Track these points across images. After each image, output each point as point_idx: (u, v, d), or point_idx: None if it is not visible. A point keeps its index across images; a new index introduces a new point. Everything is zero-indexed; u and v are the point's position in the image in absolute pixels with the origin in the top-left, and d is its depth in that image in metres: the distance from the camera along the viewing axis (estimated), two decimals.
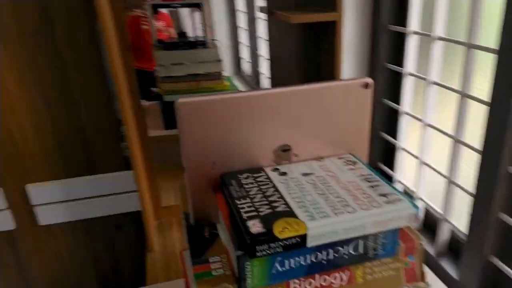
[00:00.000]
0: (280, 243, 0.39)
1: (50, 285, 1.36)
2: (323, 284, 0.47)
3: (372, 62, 1.31)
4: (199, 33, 1.40)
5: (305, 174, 0.49)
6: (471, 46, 0.93)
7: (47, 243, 1.32)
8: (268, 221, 0.40)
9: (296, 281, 0.45)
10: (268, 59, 1.50)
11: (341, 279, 0.47)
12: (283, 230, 0.39)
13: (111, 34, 0.94)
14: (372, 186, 0.46)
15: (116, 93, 0.94)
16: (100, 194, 1.30)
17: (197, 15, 1.44)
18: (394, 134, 1.31)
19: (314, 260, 0.43)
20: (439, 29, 1.06)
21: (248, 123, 0.49)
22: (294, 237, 0.39)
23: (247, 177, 0.48)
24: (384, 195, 0.44)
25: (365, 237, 0.43)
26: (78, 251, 1.36)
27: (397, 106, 1.27)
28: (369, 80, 0.52)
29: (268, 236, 0.38)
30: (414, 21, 1.16)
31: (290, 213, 0.41)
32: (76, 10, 1.09)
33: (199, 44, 1.39)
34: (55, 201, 1.27)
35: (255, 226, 0.39)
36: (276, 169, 0.51)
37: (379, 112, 1.34)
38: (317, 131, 0.52)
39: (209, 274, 0.44)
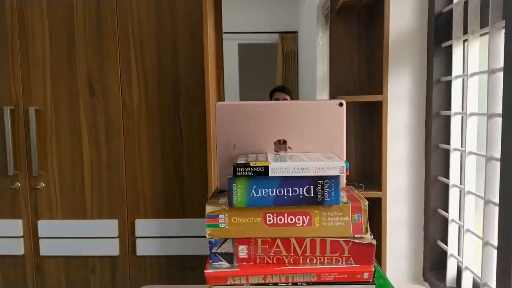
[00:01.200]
0: (252, 168, 0.64)
1: None
2: (290, 222, 0.67)
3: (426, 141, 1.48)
4: None
5: (290, 155, 0.74)
6: None
7: (139, 271, 1.64)
8: (249, 161, 0.66)
9: (270, 215, 0.67)
10: None
11: (303, 221, 0.67)
12: (255, 163, 0.65)
13: (213, 104, 1.37)
14: (328, 157, 0.69)
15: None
16: (187, 235, 1.61)
17: None
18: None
19: (278, 194, 0.66)
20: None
21: (259, 121, 0.78)
22: (260, 166, 0.64)
23: (253, 154, 0.76)
24: (331, 159, 0.67)
25: (314, 182, 0.65)
26: (161, 282, 1.64)
27: (447, 180, 1.37)
28: (343, 101, 0.77)
29: (244, 164, 0.64)
30: (456, 105, 1.35)
31: (265, 160, 0.67)
32: (195, 93, 1.59)
33: None
34: (153, 236, 1.62)
35: (240, 161, 0.66)
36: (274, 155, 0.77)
37: (435, 189, 1.45)
38: (305, 133, 0.78)
39: (216, 203, 0.70)
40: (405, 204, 1.51)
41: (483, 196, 1.14)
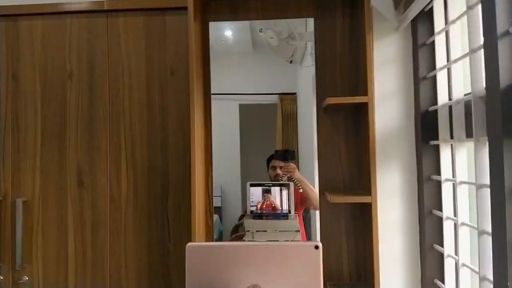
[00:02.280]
0: None
1: None
2: None
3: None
4: (285, 207, 1.71)
5: None
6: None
7: None
8: None
9: None
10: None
11: None
12: None
13: (200, 200, 1.35)
14: None
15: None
16: None
17: (285, 192, 1.80)
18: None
19: None
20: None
21: (231, 263, 0.75)
22: None
23: None
24: None
25: None
26: None
27: (443, 285, 1.30)
28: (319, 244, 0.74)
29: None
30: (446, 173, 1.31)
31: None
32: (184, 187, 1.58)
33: (282, 216, 1.68)
34: None
35: None
36: None
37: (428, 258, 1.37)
38: (280, 276, 0.74)
39: None
40: None
41: None
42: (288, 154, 1.68)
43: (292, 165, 1.63)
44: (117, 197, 1.59)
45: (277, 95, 1.90)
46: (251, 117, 1.94)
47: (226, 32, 1.67)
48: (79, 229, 1.59)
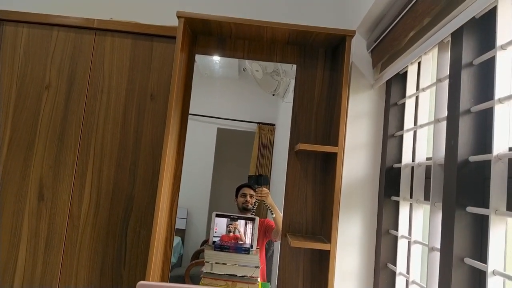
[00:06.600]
0: None
1: None
2: None
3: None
4: (248, 241, 1.70)
5: None
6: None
7: None
8: None
9: None
10: None
11: None
12: None
13: (162, 228, 1.34)
14: None
15: None
16: None
17: (250, 226, 1.79)
18: None
19: None
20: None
21: None
22: None
23: None
24: None
25: None
26: None
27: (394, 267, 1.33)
28: None
29: None
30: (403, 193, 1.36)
31: None
32: (147, 214, 1.56)
33: (244, 250, 1.67)
34: None
35: None
36: None
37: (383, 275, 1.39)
38: None
39: None
40: None
41: None
42: (262, 179, 1.70)
43: (266, 190, 1.65)
44: (77, 215, 1.55)
45: (256, 124, 1.94)
46: (228, 142, 1.96)
47: (214, 56, 1.71)
48: (32, 243, 1.54)
